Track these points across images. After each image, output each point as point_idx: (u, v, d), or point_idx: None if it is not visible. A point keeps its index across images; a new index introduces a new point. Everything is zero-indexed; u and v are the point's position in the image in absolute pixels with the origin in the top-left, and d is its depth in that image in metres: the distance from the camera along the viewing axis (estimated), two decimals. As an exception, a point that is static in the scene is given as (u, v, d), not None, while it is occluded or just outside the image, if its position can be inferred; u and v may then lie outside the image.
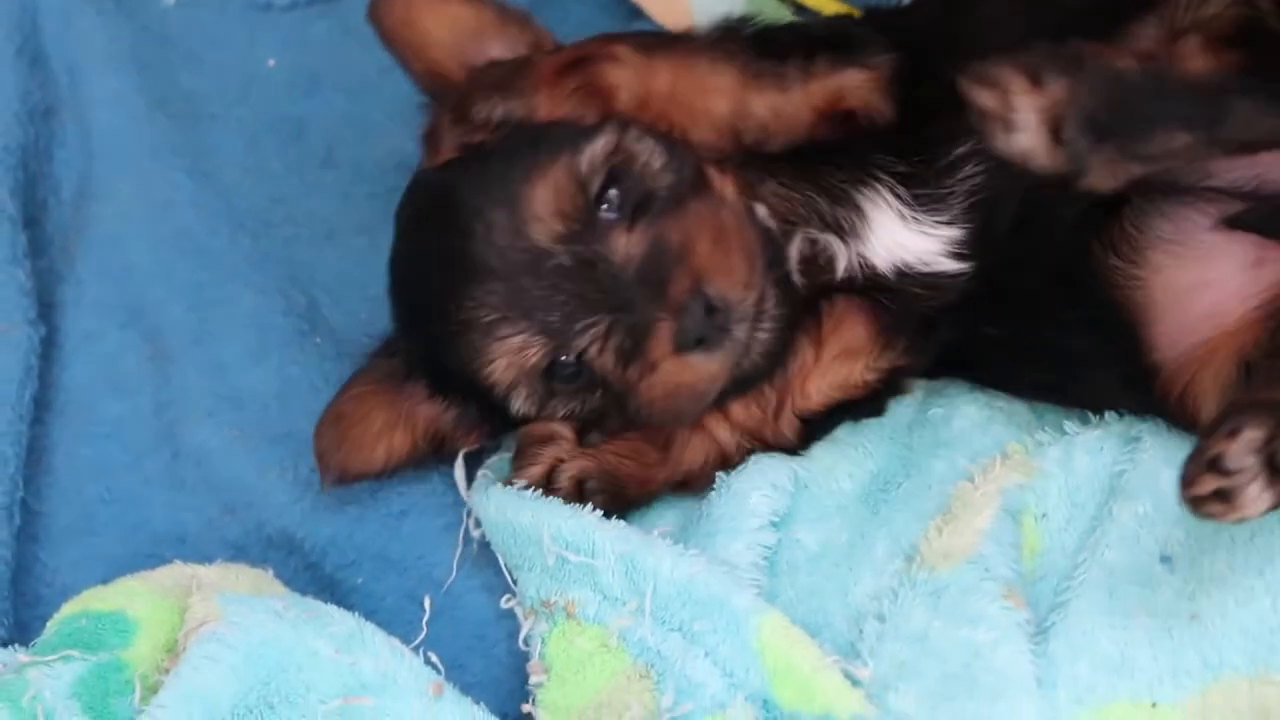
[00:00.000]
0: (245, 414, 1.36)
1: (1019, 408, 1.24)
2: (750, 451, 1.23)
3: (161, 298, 1.42)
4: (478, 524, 1.25)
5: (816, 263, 1.18)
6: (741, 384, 1.19)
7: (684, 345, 1.10)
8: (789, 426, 1.23)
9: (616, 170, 1.13)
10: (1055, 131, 0.97)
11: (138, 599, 1.15)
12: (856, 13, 1.42)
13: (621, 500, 1.21)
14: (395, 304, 1.24)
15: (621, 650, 1.12)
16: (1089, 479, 1.16)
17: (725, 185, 1.17)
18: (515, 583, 1.21)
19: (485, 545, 1.25)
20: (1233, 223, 1.09)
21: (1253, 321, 1.10)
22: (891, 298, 1.19)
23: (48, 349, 1.40)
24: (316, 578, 1.30)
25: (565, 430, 1.21)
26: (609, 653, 1.12)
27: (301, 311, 1.41)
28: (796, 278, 1.18)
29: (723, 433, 1.23)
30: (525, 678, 1.17)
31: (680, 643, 1.10)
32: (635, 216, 1.13)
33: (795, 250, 1.18)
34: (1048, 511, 1.16)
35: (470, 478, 1.29)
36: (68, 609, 1.16)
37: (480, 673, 1.22)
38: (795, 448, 1.24)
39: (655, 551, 1.12)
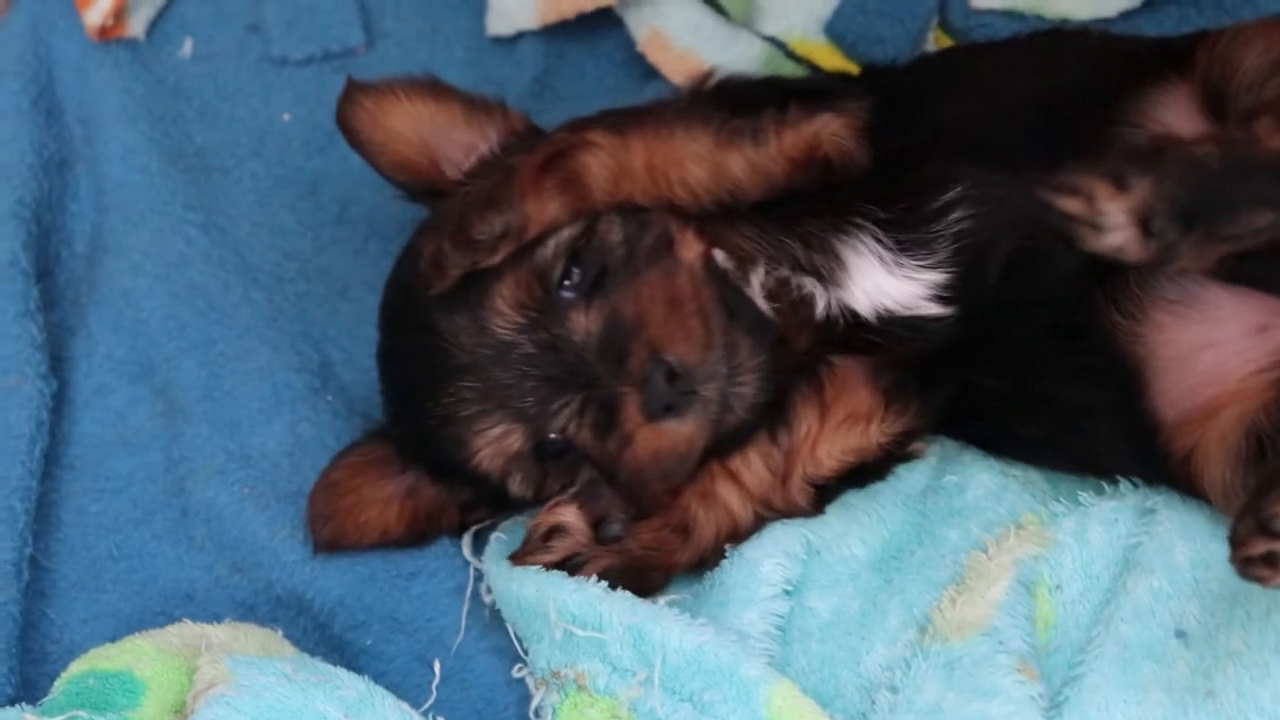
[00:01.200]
0: (256, 471, 1.35)
1: (1035, 477, 1.23)
2: (764, 521, 1.22)
3: (173, 353, 1.42)
4: (489, 590, 1.25)
5: (790, 299, 1.17)
6: (738, 436, 1.18)
7: (653, 414, 1.11)
8: (800, 492, 1.22)
9: (577, 251, 1.15)
10: (1145, 225, 0.98)
11: (145, 659, 1.15)
12: (855, 69, 1.42)
13: (647, 588, 1.20)
14: (384, 397, 1.26)
15: (633, 721, 1.12)
16: (1103, 551, 1.15)
17: (685, 238, 1.17)
18: (525, 652, 1.20)
19: (496, 609, 1.24)
20: (1234, 276, 1.08)
21: (1258, 388, 1.10)
22: (880, 346, 1.18)
23: (59, 404, 1.39)
24: (325, 638, 1.29)
25: (575, 520, 1.20)
26: (620, 724, 1.12)
27: (314, 369, 1.41)
28: (767, 311, 1.17)
29: (735, 502, 1.22)
30: (535, 745, 1.17)
31: (691, 713, 1.09)
32: (592, 293, 1.14)
33: (757, 284, 1.17)
34: (1062, 583, 1.15)
35: (484, 540, 1.28)
36: (75, 668, 1.15)
37: (489, 739, 1.21)
38: (809, 514, 1.22)
39: (663, 622, 1.11)
